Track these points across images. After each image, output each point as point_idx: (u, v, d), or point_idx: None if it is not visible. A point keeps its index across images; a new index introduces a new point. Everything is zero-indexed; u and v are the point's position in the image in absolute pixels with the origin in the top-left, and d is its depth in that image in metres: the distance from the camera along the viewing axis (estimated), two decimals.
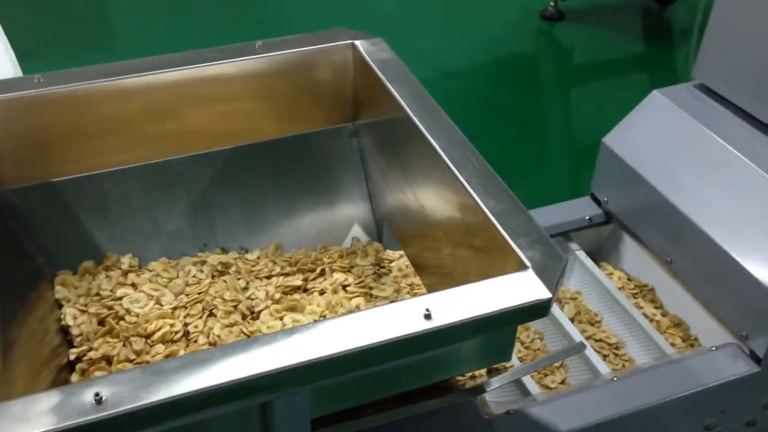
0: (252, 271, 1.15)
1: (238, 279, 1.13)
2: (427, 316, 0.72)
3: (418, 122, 0.99)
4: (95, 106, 1.05)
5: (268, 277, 1.14)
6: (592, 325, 1.29)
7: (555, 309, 1.26)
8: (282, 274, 1.14)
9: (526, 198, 1.39)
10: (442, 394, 0.97)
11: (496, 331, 0.81)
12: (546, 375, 1.19)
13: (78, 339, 1.02)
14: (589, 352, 1.19)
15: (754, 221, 1.13)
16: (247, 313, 1.08)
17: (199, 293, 1.09)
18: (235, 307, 1.07)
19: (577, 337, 1.20)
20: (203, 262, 1.15)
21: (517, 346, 1.24)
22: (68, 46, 2.69)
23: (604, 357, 1.22)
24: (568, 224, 1.39)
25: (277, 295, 1.10)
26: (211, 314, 1.07)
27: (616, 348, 1.25)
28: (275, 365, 0.67)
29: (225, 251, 1.19)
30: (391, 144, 1.13)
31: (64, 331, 1.04)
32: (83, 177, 1.09)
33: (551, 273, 0.77)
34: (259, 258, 1.17)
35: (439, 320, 0.72)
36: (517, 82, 2.63)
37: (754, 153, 1.19)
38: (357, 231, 1.24)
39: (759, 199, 1.15)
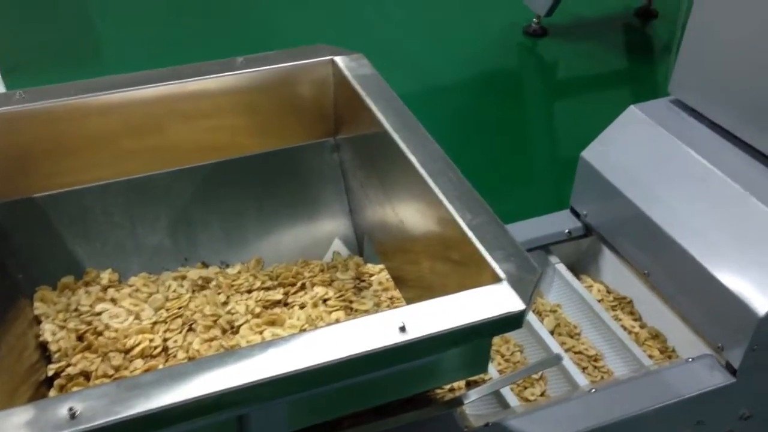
0: (232, 286, 1.15)
1: (219, 293, 1.13)
2: (402, 329, 0.73)
3: (396, 137, 1.00)
4: (76, 121, 1.06)
5: (249, 292, 1.15)
6: (571, 337, 1.30)
7: (535, 321, 1.28)
8: (262, 289, 1.15)
9: (509, 211, 1.41)
10: (420, 406, 0.97)
11: (471, 343, 0.82)
12: (525, 387, 1.20)
13: (56, 355, 1.02)
14: (568, 364, 1.20)
15: (729, 234, 1.15)
16: (227, 327, 1.08)
17: (179, 308, 1.09)
18: (215, 321, 1.08)
19: (556, 349, 1.21)
20: (183, 277, 1.15)
21: (497, 358, 1.25)
22: (54, 62, 2.70)
23: (583, 369, 1.23)
24: (548, 237, 1.40)
25: (257, 309, 1.10)
26: (191, 329, 1.08)
27: (595, 360, 1.26)
28: (251, 378, 0.68)
29: (206, 266, 1.19)
30: (370, 159, 1.14)
31: (43, 347, 1.04)
32: (63, 192, 1.09)
33: (526, 285, 0.78)
34: (239, 272, 1.18)
35: (414, 333, 0.73)
36: (501, 97, 2.65)
37: (728, 167, 1.21)
38: (338, 245, 1.25)
39: (733, 213, 1.16)
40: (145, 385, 0.66)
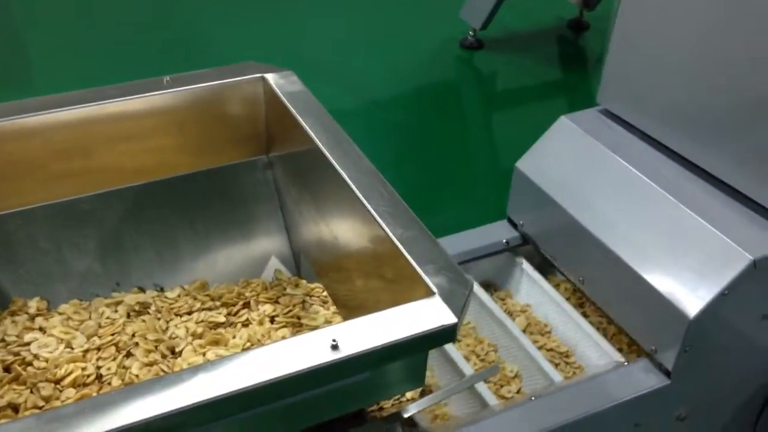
0: (172, 309, 1.13)
1: (158, 318, 1.11)
2: (334, 347, 0.72)
3: (327, 154, 1.00)
4: None
5: (189, 314, 1.13)
6: (542, 335, 1.32)
7: (507, 321, 1.30)
8: (204, 309, 1.13)
9: (447, 223, 1.41)
10: (358, 422, 0.97)
11: (407, 358, 0.82)
12: (502, 386, 1.22)
13: None
14: (542, 361, 1.22)
15: (659, 240, 1.17)
16: (168, 352, 1.06)
17: (113, 334, 1.06)
18: (156, 346, 1.05)
19: (529, 347, 1.23)
20: (118, 303, 1.12)
21: (473, 359, 1.27)
22: None
23: (556, 365, 1.26)
24: (485, 248, 1.41)
25: (199, 330, 1.08)
26: (129, 355, 1.05)
27: (566, 356, 1.28)
28: (178, 404, 0.66)
29: (142, 290, 1.16)
30: (303, 176, 1.13)
31: None
32: None
33: (457, 298, 0.79)
34: (179, 296, 1.16)
35: (347, 350, 0.73)
36: (438, 110, 2.67)
37: (655, 174, 1.24)
38: (275, 263, 1.24)
39: (662, 219, 1.19)
40: (68, 416, 0.64)
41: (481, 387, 1.16)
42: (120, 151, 1.11)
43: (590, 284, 1.27)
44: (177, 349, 1.06)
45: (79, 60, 2.80)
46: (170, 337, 1.07)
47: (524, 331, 1.32)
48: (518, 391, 1.22)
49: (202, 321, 1.10)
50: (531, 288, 1.41)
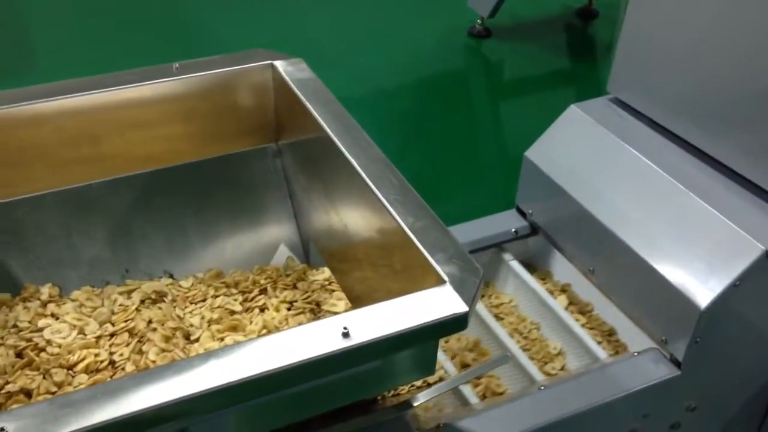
0: (187, 297, 1.12)
1: (174, 307, 1.10)
2: (345, 335, 0.72)
3: (337, 141, 0.99)
4: (5, 132, 1.02)
5: (204, 300, 1.12)
6: (583, 314, 1.34)
7: (549, 299, 1.32)
8: (218, 296, 1.13)
9: (456, 212, 1.41)
10: (368, 411, 0.97)
11: (417, 347, 0.82)
12: (546, 363, 1.25)
13: None
14: (587, 339, 1.24)
15: (670, 230, 1.17)
16: (184, 339, 1.05)
17: (126, 321, 1.06)
18: (174, 333, 1.05)
19: (573, 325, 1.26)
20: (131, 290, 1.12)
21: (516, 336, 1.30)
22: None
23: (599, 343, 1.26)
24: (495, 237, 1.41)
25: (216, 316, 1.08)
26: (143, 341, 1.05)
27: (609, 335, 1.29)
28: (190, 391, 0.66)
29: (151, 277, 1.16)
30: (312, 163, 1.13)
31: None
32: None
33: (468, 287, 0.78)
34: (193, 284, 1.16)
35: (358, 338, 0.72)
36: (446, 99, 2.66)
37: (666, 164, 1.23)
38: (284, 251, 1.24)
39: (672, 208, 1.18)
40: (80, 401, 0.64)
41: (527, 362, 1.20)
42: (129, 138, 1.11)
43: (600, 274, 1.27)
44: (193, 337, 1.06)
45: (85, 49, 2.79)
46: (188, 325, 1.07)
47: (567, 308, 1.34)
48: (562, 368, 1.24)
49: (219, 307, 1.10)
50: (518, 284, 1.41)
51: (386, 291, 0.92)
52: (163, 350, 1.02)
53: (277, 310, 1.10)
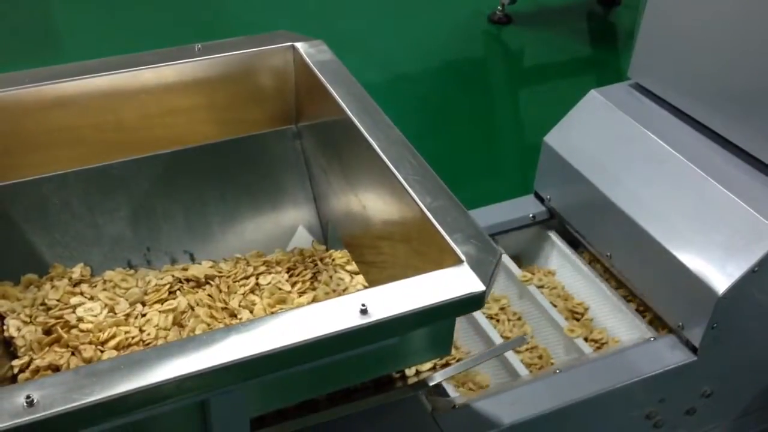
0: (230, 277, 1.12)
1: (220, 293, 1.10)
2: (364, 311, 0.73)
3: (357, 123, 1.00)
4: (31, 111, 1.04)
5: (246, 278, 1.12)
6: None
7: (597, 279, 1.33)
8: (260, 274, 1.12)
9: (474, 197, 1.41)
10: (384, 390, 0.98)
11: (434, 325, 0.82)
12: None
13: (22, 350, 0.99)
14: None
15: (688, 215, 1.16)
16: (230, 318, 1.05)
17: (159, 301, 1.06)
18: (224, 308, 1.05)
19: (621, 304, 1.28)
20: (165, 272, 1.12)
21: (564, 313, 1.31)
22: (7, 50, 2.64)
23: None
24: (512, 222, 1.41)
25: (266, 293, 1.09)
26: (181, 325, 1.04)
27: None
28: (210, 363, 0.67)
29: (172, 257, 1.17)
30: (332, 145, 1.14)
31: (7, 343, 1.01)
32: (19, 183, 1.07)
33: (485, 266, 0.79)
34: (236, 263, 1.15)
35: (375, 315, 0.73)
36: (466, 84, 2.66)
37: (686, 149, 1.22)
38: (302, 233, 1.25)
39: (692, 194, 1.18)
40: (104, 372, 0.66)
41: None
42: (150, 118, 1.12)
43: (618, 259, 1.27)
44: (239, 316, 1.05)
45: (107, 31, 2.81)
46: (238, 304, 1.07)
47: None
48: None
49: (269, 283, 1.10)
50: (561, 261, 1.41)
51: (403, 270, 0.93)
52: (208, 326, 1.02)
53: (326, 284, 1.10)
